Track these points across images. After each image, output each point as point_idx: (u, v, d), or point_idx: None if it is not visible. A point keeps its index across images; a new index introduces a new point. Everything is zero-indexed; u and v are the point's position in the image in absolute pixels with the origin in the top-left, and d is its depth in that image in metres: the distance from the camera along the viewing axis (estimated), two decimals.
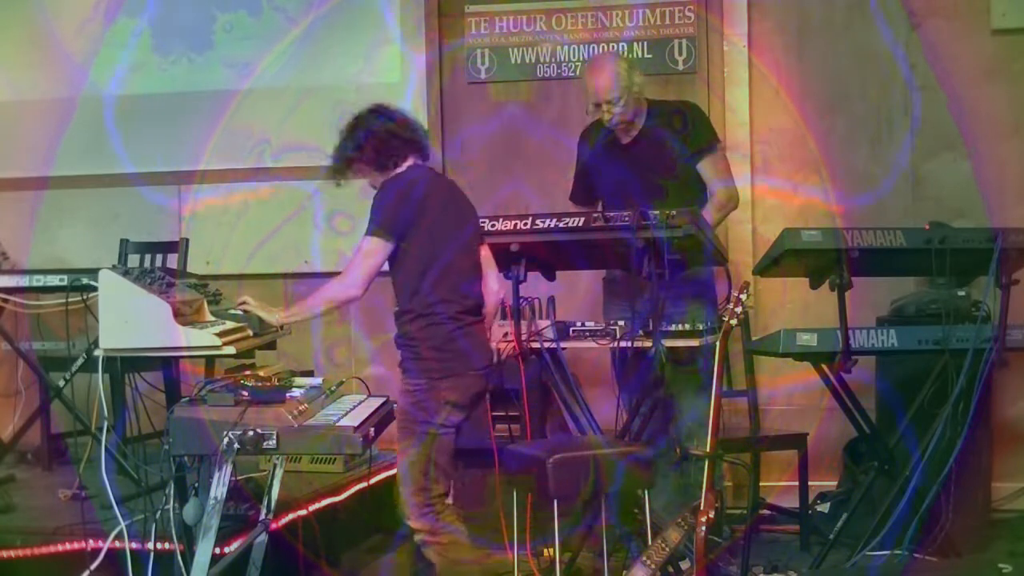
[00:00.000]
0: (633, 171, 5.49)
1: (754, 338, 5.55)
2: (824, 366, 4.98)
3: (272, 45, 7.05)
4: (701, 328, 5.02)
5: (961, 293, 5.37)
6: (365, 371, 6.49)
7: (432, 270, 4.35)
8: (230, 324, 4.45)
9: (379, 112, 4.54)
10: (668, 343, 4.95)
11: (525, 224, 5.08)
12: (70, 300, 5.41)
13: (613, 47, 6.70)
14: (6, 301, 5.68)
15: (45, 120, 7.20)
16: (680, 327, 5.03)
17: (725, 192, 5.57)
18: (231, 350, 4.30)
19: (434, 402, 4.32)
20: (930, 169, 6.41)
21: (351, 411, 4.31)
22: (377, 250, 4.32)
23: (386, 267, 4.40)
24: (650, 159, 5.49)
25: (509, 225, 5.09)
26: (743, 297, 4.38)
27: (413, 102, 6.72)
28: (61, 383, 5.85)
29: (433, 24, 6.91)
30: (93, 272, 4.74)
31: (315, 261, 6.82)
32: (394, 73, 6.93)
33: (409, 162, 4.50)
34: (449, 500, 4.52)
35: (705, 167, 5.55)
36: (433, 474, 4.35)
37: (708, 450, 4.25)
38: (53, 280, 5.62)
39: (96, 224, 7.11)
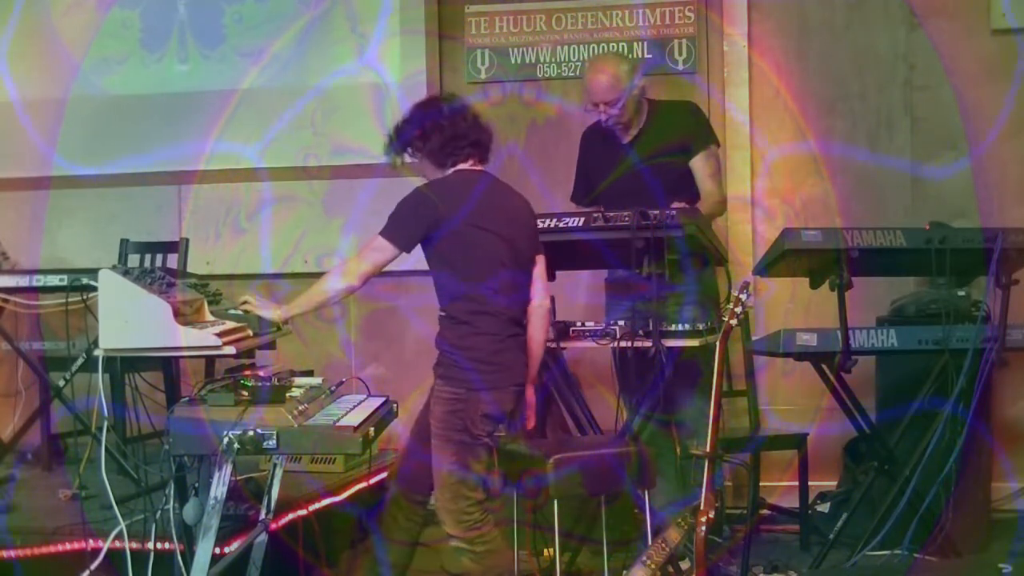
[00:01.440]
0: (633, 170, 5.49)
1: (754, 338, 5.55)
2: (824, 366, 4.98)
3: (269, 46, 7.04)
4: (701, 328, 5.02)
5: (961, 293, 5.37)
6: (365, 371, 6.50)
7: (473, 279, 4.32)
8: (230, 324, 4.44)
9: (455, 105, 4.50)
10: (668, 343, 4.95)
11: None
12: (70, 300, 5.40)
13: (613, 47, 6.69)
14: (6, 301, 5.67)
15: (44, 119, 7.19)
16: (680, 327, 5.03)
17: (713, 194, 5.56)
18: (231, 350, 4.29)
19: (472, 413, 4.28)
20: (930, 169, 6.41)
21: (351, 411, 4.30)
22: (384, 250, 4.31)
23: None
24: (649, 159, 5.49)
25: None
26: (743, 297, 4.38)
27: (412, 101, 6.72)
28: (61, 383, 5.85)
29: (433, 23, 6.90)
30: (93, 272, 4.73)
31: (315, 261, 6.81)
32: (394, 72, 6.92)
33: (467, 164, 4.46)
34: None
35: (697, 166, 5.54)
36: (470, 482, 4.31)
37: (708, 450, 4.25)
38: (53, 280, 5.61)
39: (96, 224, 7.10)
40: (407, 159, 4.54)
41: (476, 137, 4.47)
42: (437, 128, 4.42)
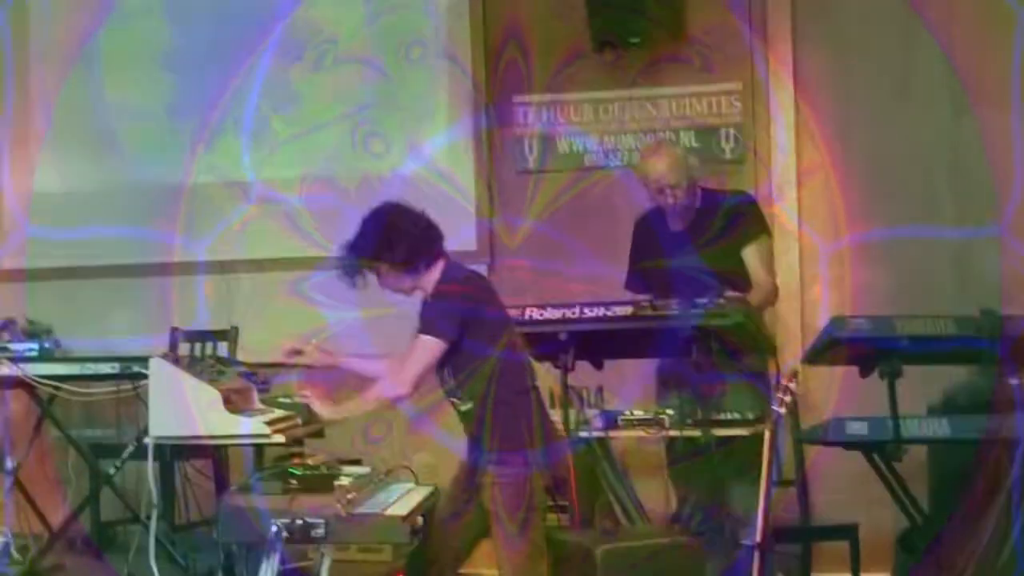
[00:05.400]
0: (683, 259, 5.50)
1: (803, 426, 5.51)
2: (875, 455, 4.93)
3: (320, 135, 7.13)
4: (750, 417, 5.00)
5: (1015, 381, 5.31)
6: (412, 459, 6.48)
7: (504, 358, 4.36)
8: (279, 412, 4.47)
9: (405, 211, 4.48)
10: (717, 432, 4.92)
11: (573, 313, 5.09)
12: (121, 388, 5.45)
13: (661, 135, 6.73)
14: (58, 389, 5.72)
15: (95, 209, 7.31)
16: (729, 416, 5.01)
17: (766, 284, 5.55)
18: (280, 438, 4.32)
19: (531, 489, 4.32)
20: (978, 252, 6.37)
21: (399, 500, 4.30)
22: (432, 350, 4.32)
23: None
24: (701, 247, 5.49)
25: (557, 314, 5.09)
26: (792, 385, 4.36)
27: (461, 190, 6.78)
28: (111, 470, 5.87)
29: (481, 113, 6.97)
30: (144, 360, 4.78)
31: (361, 349, 6.81)
32: (442, 161, 6.99)
33: (441, 263, 4.48)
34: None
35: (749, 256, 5.54)
36: (539, 555, 4.35)
37: (759, 540, 4.20)
38: (104, 368, 5.67)
39: (146, 312, 7.16)
40: (366, 275, 4.49)
41: (436, 236, 4.48)
42: (400, 236, 4.40)
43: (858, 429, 4.81)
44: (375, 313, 6.58)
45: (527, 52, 6.93)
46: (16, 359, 5.73)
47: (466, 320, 4.33)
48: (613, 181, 6.76)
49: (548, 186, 6.93)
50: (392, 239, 4.40)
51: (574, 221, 6.82)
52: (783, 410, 4.34)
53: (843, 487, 6.23)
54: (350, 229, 4.47)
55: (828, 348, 4.96)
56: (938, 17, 6.43)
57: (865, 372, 5.09)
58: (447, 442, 6.70)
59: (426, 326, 4.35)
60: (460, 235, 6.70)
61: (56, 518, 6.42)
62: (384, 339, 5.98)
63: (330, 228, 6.83)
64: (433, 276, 4.44)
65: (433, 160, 6.98)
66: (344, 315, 6.67)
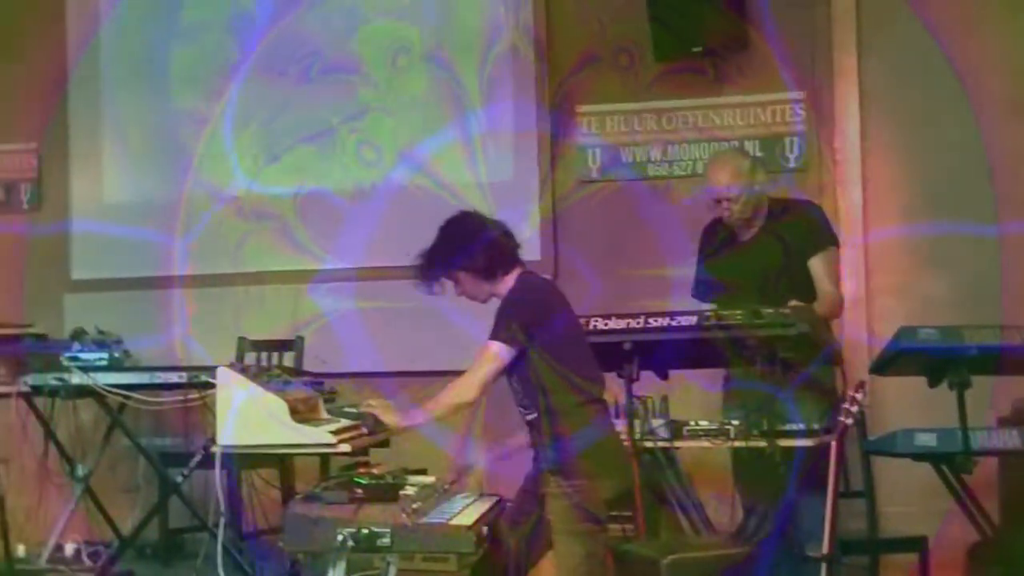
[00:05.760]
0: (749, 269, 5.48)
1: (871, 437, 5.46)
2: (944, 467, 4.88)
3: (387, 147, 7.18)
4: (817, 428, 4.96)
5: None
6: (478, 469, 6.49)
7: (575, 370, 4.34)
8: (345, 422, 4.49)
9: (483, 220, 4.54)
10: (783, 443, 4.90)
11: (637, 322, 5.08)
12: (189, 397, 5.51)
13: (724, 145, 6.70)
14: (128, 398, 5.79)
15: (165, 220, 7.40)
16: (795, 426, 4.98)
17: (832, 294, 5.52)
18: (346, 448, 4.34)
19: (594, 501, 4.29)
20: None
21: (465, 509, 4.31)
22: (499, 356, 4.32)
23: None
24: (767, 257, 5.47)
25: (622, 324, 5.08)
26: (859, 396, 4.33)
27: (526, 201, 6.80)
28: (179, 479, 5.94)
29: (545, 123, 6.99)
30: (211, 370, 4.83)
31: (428, 360, 6.84)
32: (506, 171, 7.01)
33: (517, 271, 4.49)
34: None
35: (815, 266, 5.51)
36: (597, 571, 4.33)
37: (826, 552, 4.18)
38: (173, 377, 5.74)
39: (214, 322, 7.23)
40: (445, 283, 4.51)
41: (513, 245, 4.50)
42: (480, 244, 4.43)
43: (927, 440, 4.77)
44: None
45: (590, 62, 6.94)
46: (87, 368, 5.81)
47: (534, 328, 4.33)
48: (677, 190, 6.75)
49: (611, 195, 6.93)
50: (471, 247, 4.43)
51: (637, 230, 6.81)
52: (850, 421, 4.30)
53: (912, 499, 6.17)
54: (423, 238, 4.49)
55: (896, 358, 4.92)
56: (999, 25, 6.38)
57: (933, 383, 5.04)
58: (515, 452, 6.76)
59: (495, 331, 4.36)
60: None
61: (126, 525, 6.50)
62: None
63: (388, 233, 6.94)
64: (509, 284, 4.46)
65: (497, 169, 7.00)
66: (414, 325, 6.73)
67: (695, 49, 6.60)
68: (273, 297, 7.24)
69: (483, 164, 7.06)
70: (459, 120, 7.11)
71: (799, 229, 5.51)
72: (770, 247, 5.49)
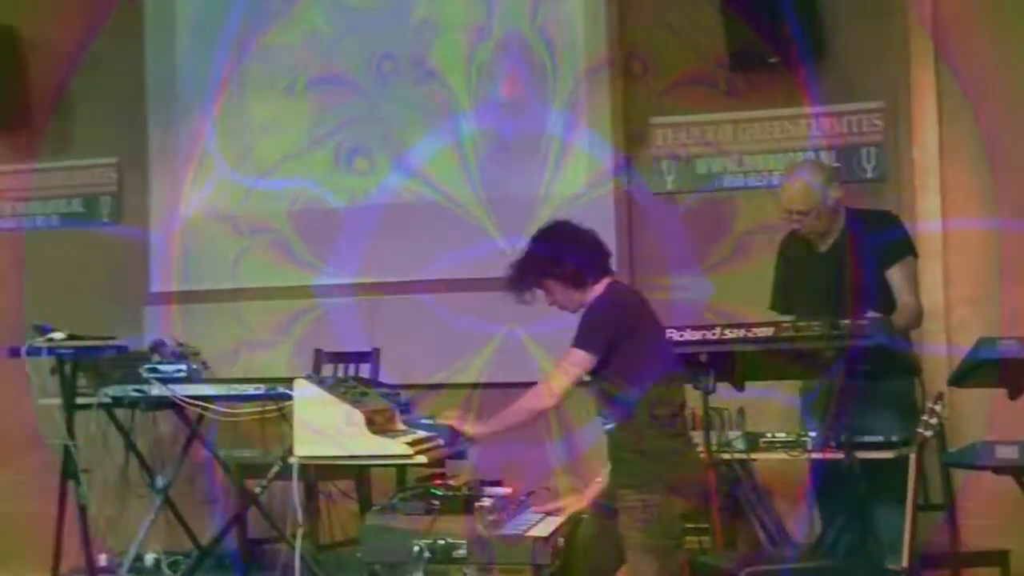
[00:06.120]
0: (827, 280, 5.45)
1: (950, 449, 5.40)
2: None
3: (459, 158, 7.20)
4: (895, 440, 4.92)
5: None
6: (552, 481, 6.48)
7: (656, 382, 4.33)
8: (421, 433, 4.51)
9: (574, 229, 4.53)
10: (862, 455, 4.86)
11: (714, 334, 5.06)
12: (267, 409, 5.56)
13: (800, 156, 6.66)
14: (206, 410, 5.85)
15: (238, 233, 7.49)
16: (874, 439, 4.94)
17: (911, 306, 5.47)
18: (422, 459, 4.35)
19: (668, 516, 4.27)
20: None
21: (540, 521, 4.31)
22: (579, 363, 4.32)
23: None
24: (844, 268, 5.43)
25: (698, 335, 5.06)
26: (938, 408, 4.29)
27: (599, 212, 6.79)
28: (257, 490, 5.99)
29: (619, 135, 6.98)
30: (289, 381, 4.86)
31: (502, 372, 6.84)
32: (578, 183, 7.00)
33: (606, 280, 4.49)
34: None
35: (893, 277, 5.47)
36: None
37: (905, 565, 4.14)
38: (250, 389, 5.79)
39: (291, 334, 7.29)
40: (535, 291, 4.52)
41: (603, 254, 4.51)
42: (570, 253, 4.43)
43: (1008, 453, 4.70)
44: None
45: (665, 73, 6.92)
46: (166, 380, 5.88)
47: (617, 338, 4.32)
48: (753, 202, 6.71)
49: (686, 207, 6.90)
50: (562, 256, 4.43)
51: (713, 242, 6.78)
52: (929, 433, 4.26)
53: (993, 512, 6.09)
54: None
55: (975, 369, 4.86)
56: None
57: (1014, 394, 4.98)
58: (586, 464, 6.75)
59: (577, 338, 4.36)
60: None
61: (205, 536, 6.56)
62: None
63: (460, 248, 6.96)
64: (597, 293, 4.46)
65: (571, 181, 6.99)
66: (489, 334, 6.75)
67: (771, 59, 6.56)
68: (349, 310, 7.27)
69: (555, 176, 7.05)
70: (528, 129, 7.11)
71: (877, 240, 5.47)
72: (848, 258, 5.46)
